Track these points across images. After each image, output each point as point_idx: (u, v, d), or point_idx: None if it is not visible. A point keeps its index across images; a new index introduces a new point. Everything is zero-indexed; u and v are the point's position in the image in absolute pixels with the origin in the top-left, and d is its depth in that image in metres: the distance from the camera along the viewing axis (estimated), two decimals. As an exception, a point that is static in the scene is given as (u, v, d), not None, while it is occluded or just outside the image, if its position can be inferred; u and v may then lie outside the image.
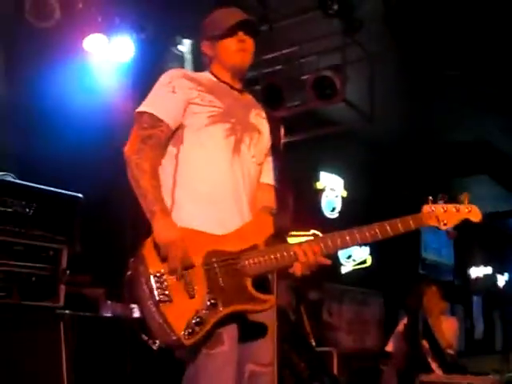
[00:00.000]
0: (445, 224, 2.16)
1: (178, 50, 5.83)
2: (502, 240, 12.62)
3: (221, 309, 2.03)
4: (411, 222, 2.15)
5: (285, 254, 2.13)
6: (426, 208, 2.17)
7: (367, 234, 2.13)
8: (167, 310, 1.99)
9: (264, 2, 5.19)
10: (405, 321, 5.37)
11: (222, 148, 2.22)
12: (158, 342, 2.00)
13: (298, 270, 2.15)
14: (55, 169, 4.23)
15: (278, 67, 5.98)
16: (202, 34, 2.40)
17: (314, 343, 5.24)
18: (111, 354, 3.79)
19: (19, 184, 3.42)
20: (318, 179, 8.40)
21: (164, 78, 2.27)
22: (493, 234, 11.23)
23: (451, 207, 2.17)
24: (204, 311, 2.01)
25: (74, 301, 3.64)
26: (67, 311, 3.47)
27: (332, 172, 8.52)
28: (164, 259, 2.03)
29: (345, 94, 5.63)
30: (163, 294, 2.00)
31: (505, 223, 11.91)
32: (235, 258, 2.10)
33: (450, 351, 5.27)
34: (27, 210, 3.35)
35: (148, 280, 2.02)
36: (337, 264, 8.36)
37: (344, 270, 8.68)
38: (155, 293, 2.00)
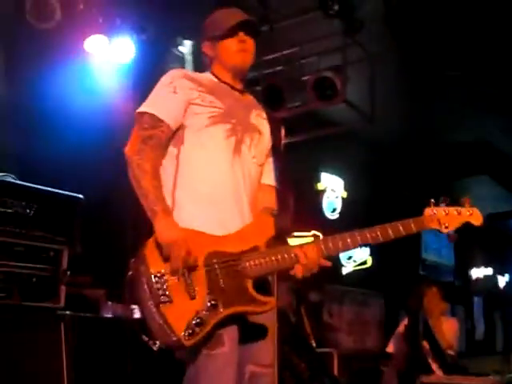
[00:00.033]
0: (446, 227, 2.16)
1: (178, 50, 5.83)
2: (503, 241, 12.61)
3: (221, 310, 2.03)
4: (413, 224, 2.15)
5: (286, 255, 2.12)
6: (428, 211, 2.17)
7: (368, 236, 2.13)
8: (167, 311, 1.99)
9: (264, 2, 5.19)
10: (405, 322, 5.37)
11: (223, 149, 2.22)
12: (158, 342, 2.00)
13: (298, 272, 2.14)
14: (56, 169, 4.24)
15: (279, 68, 5.98)
16: (202, 34, 2.40)
17: (314, 344, 5.24)
18: (112, 355, 3.79)
19: (20, 185, 3.42)
20: (318, 180, 8.40)
21: (165, 79, 2.27)
22: (493, 234, 11.22)
23: (453, 210, 2.17)
24: (204, 312, 2.01)
25: (75, 301, 3.64)
26: (68, 312, 3.47)
27: (333, 173, 8.52)
28: (166, 259, 2.03)
29: (345, 94, 5.63)
30: (164, 295, 2.00)
31: (505, 224, 11.89)
32: (236, 260, 2.10)
33: (451, 352, 5.26)
34: (28, 210, 3.35)
35: (149, 280, 2.02)
36: (337, 265, 8.35)
37: (345, 270, 8.68)
38: (156, 293, 2.00)
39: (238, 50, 2.30)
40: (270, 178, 2.38)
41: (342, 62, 5.66)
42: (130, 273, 2.07)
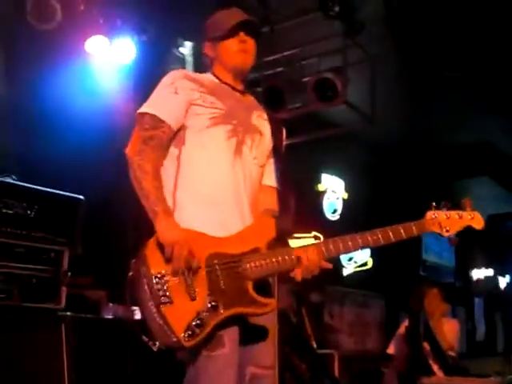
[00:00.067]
0: (447, 230, 2.17)
1: (179, 51, 5.84)
2: (504, 242, 12.59)
3: (221, 311, 2.03)
4: (414, 228, 2.16)
5: (286, 257, 2.12)
6: (429, 214, 2.18)
7: (370, 239, 2.14)
8: (168, 312, 1.99)
9: (265, 3, 5.19)
10: (406, 323, 5.36)
11: (224, 150, 2.22)
12: (157, 343, 2.00)
13: (298, 274, 2.14)
14: (56, 170, 4.24)
15: (279, 69, 5.98)
16: (203, 35, 2.40)
17: (315, 345, 5.24)
18: (112, 356, 3.79)
19: (20, 186, 3.42)
20: (319, 181, 8.40)
21: (166, 79, 2.27)
22: (494, 235, 11.21)
23: (454, 214, 2.18)
24: (205, 313, 2.01)
25: (76, 303, 3.64)
26: (68, 313, 3.47)
27: (333, 174, 8.51)
28: (168, 259, 2.03)
29: (346, 95, 5.63)
30: (164, 296, 2.00)
31: (506, 225, 11.88)
32: (237, 261, 2.09)
33: (452, 353, 5.26)
34: (28, 211, 3.36)
35: (149, 281, 2.02)
36: (338, 266, 8.35)
37: (345, 272, 8.67)
38: (156, 294, 2.00)
39: (239, 51, 2.30)
40: (270, 179, 2.37)
41: (343, 63, 5.66)
42: (131, 273, 2.07)
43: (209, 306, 2.02)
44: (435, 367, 5.11)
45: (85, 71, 5.13)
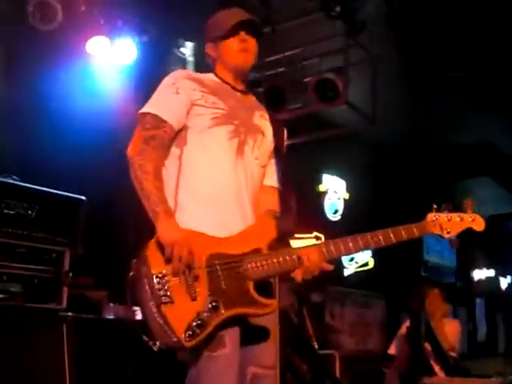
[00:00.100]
0: (448, 232, 2.18)
1: (180, 52, 5.84)
2: (505, 242, 12.60)
3: (222, 311, 2.03)
4: (415, 229, 2.16)
5: (287, 258, 2.12)
6: (430, 216, 2.18)
7: (371, 240, 2.14)
8: (168, 312, 1.99)
9: (266, 3, 5.19)
10: (407, 323, 5.35)
11: (226, 150, 2.22)
12: (158, 343, 1.99)
13: (299, 274, 2.14)
14: (57, 171, 4.24)
15: (281, 69, 5.99)
16: (205, 35, 2.40)
17: (316, 346, 5.23)
18: (113, 356, 3.79)
19: (21, 186, 3.42)
20: (320, 181, 8.40)
21: (168, 79, 2.27)
22: (495, 236, 11.20)
23: (455, 216, 2.18)
24: (205, 313, 2.01)
25: (77, 303, 3.65)
26: (70, 313, 3.48)
27: (334, 174, 8.52)
28: (168, 259, 2.02)
29: (347, 96, 5.63)
30: (165, 296, 2.00)
31: (507, 225, 11.88)
32: (238, 261, 2.09)
33: (453, 354, 5.26)
34: (29, 212, 3.36)
35: (150, 281, 2.02)
36: (339, 266, 8.35)
37: (346, 272, 8.67)
38: (157, 294, 2.00)
39: (240, 50, 2.30)
40: (272, 179, 2.37)
41: (344, 63, 5.66)
42: (132, 273, 2.07)
43: (209, 306, 2.02)
44: (436, 368, 5.10)
45: (86, 72, 5.14)
